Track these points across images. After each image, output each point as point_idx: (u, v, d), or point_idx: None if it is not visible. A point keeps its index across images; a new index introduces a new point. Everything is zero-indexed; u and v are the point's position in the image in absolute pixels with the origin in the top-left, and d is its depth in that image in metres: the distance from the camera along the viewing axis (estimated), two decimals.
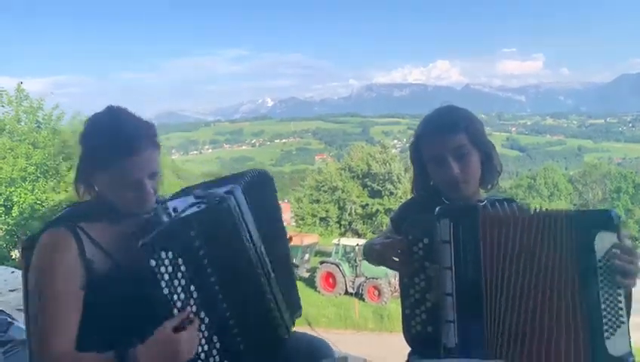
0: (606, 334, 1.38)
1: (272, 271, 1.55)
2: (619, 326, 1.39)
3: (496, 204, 1.49)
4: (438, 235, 1.47)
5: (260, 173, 1.67)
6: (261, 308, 1.51)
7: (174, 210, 1.40)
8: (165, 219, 1.39)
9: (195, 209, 1.37)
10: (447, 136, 1.60)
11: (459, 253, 1.44)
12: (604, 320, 1.39)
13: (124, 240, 1.36)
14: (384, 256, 1.62)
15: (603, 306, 1.39)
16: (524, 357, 1.42)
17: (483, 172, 1.66)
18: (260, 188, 1.64)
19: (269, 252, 1.56)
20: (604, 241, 1.39)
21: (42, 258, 1.34)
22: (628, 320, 1.43)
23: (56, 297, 1.30)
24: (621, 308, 1.39)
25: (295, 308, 1.73)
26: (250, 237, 1.46)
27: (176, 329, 1.27)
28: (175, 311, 1.29)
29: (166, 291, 1.28)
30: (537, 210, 1.47)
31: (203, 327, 1.36)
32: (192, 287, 1.34)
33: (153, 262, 1.26)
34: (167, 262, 1.28)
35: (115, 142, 1.35)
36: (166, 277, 1.28)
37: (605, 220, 1.41)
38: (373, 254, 1.70)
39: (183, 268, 1.32)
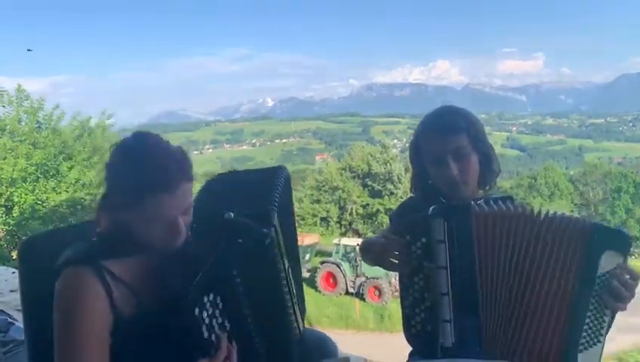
0: (580, 347, 1.39)
1: (294, 284, 1.57)
2: (594, 344, 1.40)
3: (492, 202, 1.49)
4: (432, 234, 1.47)
5: (279, 175, 1.62)
6: (284, 328, 1.53)
7: (204, 236, 1.30)
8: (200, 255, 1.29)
9: (235, 244, 1.29)
10: (447, 137, 1.60)
11: (454, 253, 1.45)
12: (584, 334, 1.39)
13: (151, 277, 1.28)
14: (381, 257, 1.62)
15: (587, 320, 1.39)
16: (518, 356, 1.43)
17: (482, 173, 1.66)
18: (284, 196, 1.58)
19: (291, 258, 1.57)
20: (610, 260, 1.39)
21: (67, 303, 1.23)
22: (604, 339, 1.44)
23: (82, 348, 1.21)
24: (602, 327, 1.40)
25: (303, 313, 1.76)
26: (283, 263, 1.44)
27: None
28: (212, 350, 1.23)
29: (206, 334, 1.21)
30: (548, 212, 1.46)
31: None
32: (226, 321, 1.29)
33: (197, 310, 1.18)
34: (208, 305, 1.22)
35: (150, 178, 1.23)
36: (207, 320, 1.21)
37: (619, 241, 1.41)
38: (371, 255, 1.70)
39: (221, 305, 1.26)
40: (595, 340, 1.40)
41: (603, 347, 1.42)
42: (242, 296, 1.31)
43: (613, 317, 1.45)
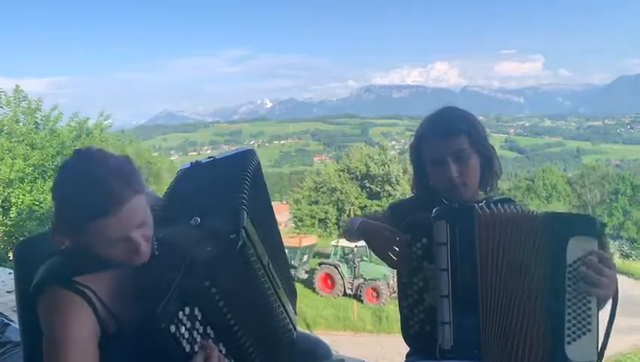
0: (568, 339, 1.37)
1: (279, 277, 1.53)
2: (584, 334, 1.37)
3: (493, 205, 1.49)
4: (435, 236, 1.47)
5: (247, 162, 1.54)
6: (273, 324, 1.52)
7: (182, 256, 1.23)
8: (169, 267, 1.23)
9: (204, 252, 1.24)
10: (448, 139, 1.60)
11: (455, 255, 1.44)
12: (568, 325, 1.37)
13: (125, 295, 1.24)
14: (382, 248, 1.61)
15: (568, 311, 1.38)
16: (513, 359, 1.42)
17: (482, 175, 1.66)
18: (254, 188, 1.50)
19: (272, 248, 1.53)
20: (579, 247, 1.37)
21: (56, 327, 1.19)
22: (609, 328, 1.42)
23: None
24: (589, 316, 1.37)
25: (294, 296, 1.73)
26: (261, 261, 1.39)
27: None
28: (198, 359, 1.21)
29: (188, 348, 1.19)
30: (528, 211, 1.47)
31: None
32: (209, 328, 1.28)
33: (173, 328, 1.15)
34: (184, 319, 1.19)
35: (89, 204, 1.15)
36: (186, 334, 1.19)
37: (584, 226, 1.40)
38: (372, 241, 1.66)
39: (199, 316, 1.24)
40: (584, 329, 1.37)
41: (598, 335, 1.38)
42: (222, 304, 1.28)
43: (602, 304, 1.42)
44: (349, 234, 1.79)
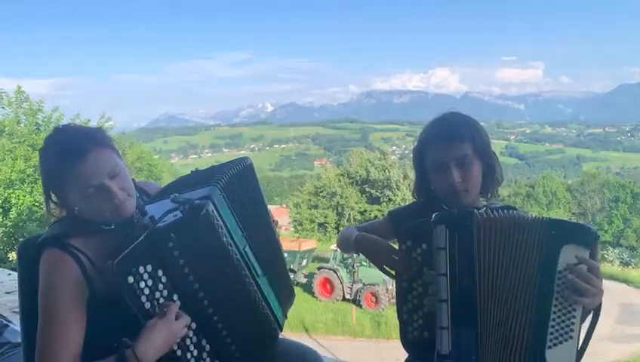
0: (549, 344, 1.38)
1: (261, 267, 1.53)
2: (565, 340, 1.39)
3: (494, 211, 1.49)
4: (434, 241, 1.47)
5: (239, 162, 1.62)
6: (249, 309, 1.50)
7: (151, 218, 1.36)
8: (142, 230, 1.35)
9: (171, 217, 1.34)
10: (452, 144, 1.60)
11: (454, 260, 1.44)
12: (551, 330, 1.39)
13: (112, 255, 1.33)
14: (379, 260, 1.64)
15: (553, 316, 1.38)
16: None
17: (484, 182, 1.66)
18: (240, 179, 1.58)
19: (258, 241, 1.55)
20: (570, 255, 1.38)
21: (47, 285, 1.34)
22: (588, 338, 1.44)
23: (60, 318, 1.31)
24: (573, 323, 1.39)
25: (288, 298, 1.74)
26: (232, 239, 1.42)
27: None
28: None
29: (148, 305, 1.29)
30: (526, 216, 1.47)
31: (191, 333, 1.38)
32: (175, 296, 1.35)
33: (131, 279, 1.25)
34: (146, 276, 1.28)
35: (58, 157, 1.37)
36: (146, 291, 1.28)
37: (579, 235, 1.40)
38: (366, 251, 1.69)
39: (163, 279, 1.32)
40: (566, 336, 1.39)
41: (578, 343, 1.40)
42: (188, 271, 1.34)
43: (586, 314, 1.43)
44: (345, 246, 1.82)
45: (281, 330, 1.61)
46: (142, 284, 1.27)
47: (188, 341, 1.37)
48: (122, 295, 1.26)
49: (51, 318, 1.31)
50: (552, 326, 1.39)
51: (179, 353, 1.35)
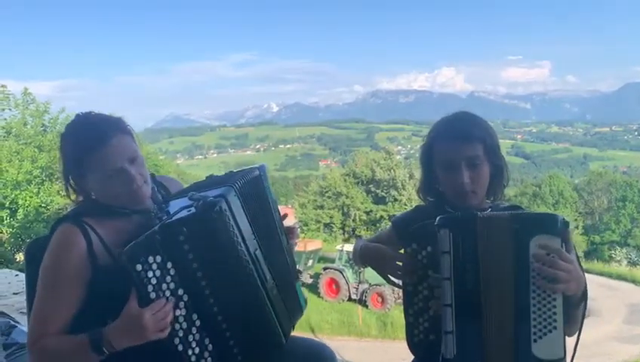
0: (534, 337, 1.37)
1: (271, 274, 1.53)
2: (550, 331, 1.37)
3: (493, 210, 1.48)
4: (438, 245, 1.46)
5: (255, 169, 1.63)
6: (255, 312, 1.49)
7: (167, 212, 1.41)
8: (156, 221, 1.39)
9: (185, 213, 1.37)
10: (463, 143, 1.58)
11: (458, 264, 1.42)
12: (533, 323, 1.37)
13: (125, 239, 1.37)
14: (383, 269, 1.65)
15: (533, 309, 1.37)
16: None
17: (491, 184, 1.65)
18: (255, 186, 1.59)
19: (269, 249, 1.55)
20: (541, 245, 1.37)
21: (52, 253, 1.40)
22: (580, 326, 1.45)
23: (57, 288, 1.37)
24: (555, 313, 1.37)
25: (296, 310, 1.70)
26: (243, 240, 1.43)
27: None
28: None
29: (153, 295, 1.31)
30: (507, 214, 1.46)
31: (194, 330, 1.38)
32: (181, 291, 1.36)
33: (139, 267, 1.28)
34: (154, 266, 1.31)
35: (82, 142, 1.43)
36: (153, 281, 1.31)
37: (543, 224, 1.39)
38: (369, 262, 1.71)
39: (172, 271, 1.34)
40: (550, 327, 1.37)
41: (564, 333, 1.38)
42: (197, 267, 1.36)
43: (575, 302, 1.43)
44: (355, 259, 1.84)
45: (286, 340, 1.58)
46: (150, 274, 1.30)
47: (190, 337, 1.37)
48: (128, 282, 1.29)
49: (50, 284, 1.37)
50: (534, 319, 1.37)
51: (180, 348, 1.36)
